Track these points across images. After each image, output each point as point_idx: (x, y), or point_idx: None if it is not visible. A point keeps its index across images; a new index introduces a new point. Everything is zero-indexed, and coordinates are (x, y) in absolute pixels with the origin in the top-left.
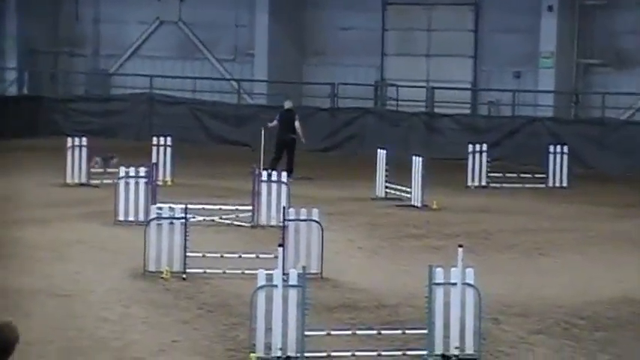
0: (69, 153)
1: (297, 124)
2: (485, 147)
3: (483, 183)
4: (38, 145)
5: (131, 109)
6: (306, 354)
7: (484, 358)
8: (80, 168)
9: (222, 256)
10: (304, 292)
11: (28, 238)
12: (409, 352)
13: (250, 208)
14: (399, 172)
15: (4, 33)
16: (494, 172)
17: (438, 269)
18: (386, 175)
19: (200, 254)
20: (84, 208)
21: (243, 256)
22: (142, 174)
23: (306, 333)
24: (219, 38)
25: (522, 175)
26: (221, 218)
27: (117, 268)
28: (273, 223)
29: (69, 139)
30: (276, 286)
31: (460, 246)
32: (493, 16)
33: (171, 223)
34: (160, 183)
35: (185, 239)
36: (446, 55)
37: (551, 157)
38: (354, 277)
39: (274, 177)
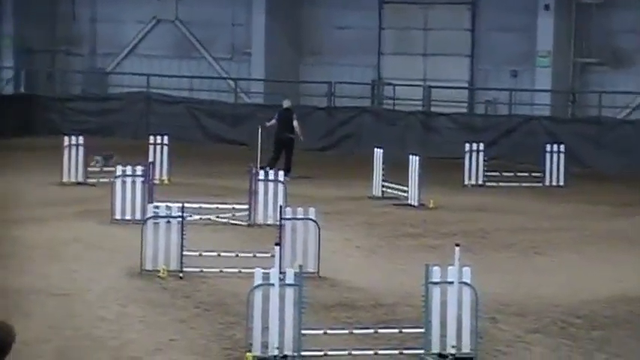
0: (66, 152)
1: (295, 123)
2: (482, 146)
3: (480, 182)
4: (35, 144)
5: (128, 108)
6: (303, 353)
7: (481, 357)
8: (77, 167)
9: (219, 255)
10: (301, 291)
11: (25, 237)
12: (406, 351)
13: (247, 207)
14: (396, 171)
15: (0, 32)
16: (491, 171)
17: (435, 268)
18: (383, 174)
19: (197, 253)
20: (81, 207)
21: (240, 255)
22: (138, 173)
23: (303, 332)
24: (216, 37)
25: (519, 174)
26: (218, 217)
27: (114, 267)
28: (270, 222)
29: (66, 138)
30: (273, 285)
31: (457, 245)
32: (490, 14)
33: (168, 222)
34: (156, 182)
35: (182, 238)
36: (443, 54)
37: (548, 156)
38: (351, 276)
39: (271, 176)
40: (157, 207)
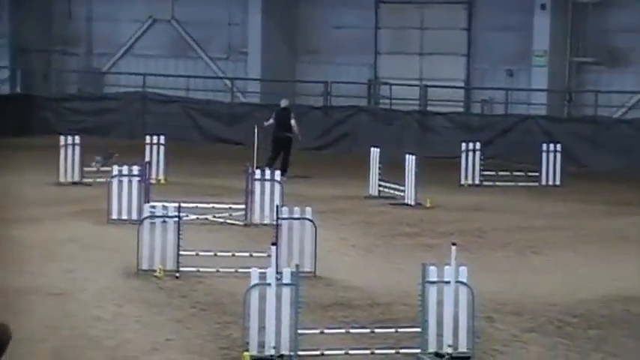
0: (62, 151)
1: (293, 122)
2: (478, 145)
3: (477, 181)
4: (31, 144)
5: (124, 107)
6: (300, 352)
7: (477, 357)
8: (73, 166)
9: (215, 255)
10: (297, 291)
11: (22, 237)
12: (402, 351)
13: (243, 206)
14: (392, 170)
15: None
16: (487, 171)
17: (432, 267)
18: (379, 174)
19: (193, 253)
20: (77, 207)
21: (236, 254)
22: (135, 172)
23: (300, 331)
24: (212, 37)
25: (515, 174)
26: (214, 217)
27: (110, 267)
28: (267, 221)
29: (62, 138)
30: (269, 284)
31: (453, 244)
32: (486, 14)
33: (165, 221)
34: (153, 181)
35: (178, 238)
36: (439, 54)
37: (544, 155)
38: (348, 276)
39: (267, 175)
40: (153, 207)
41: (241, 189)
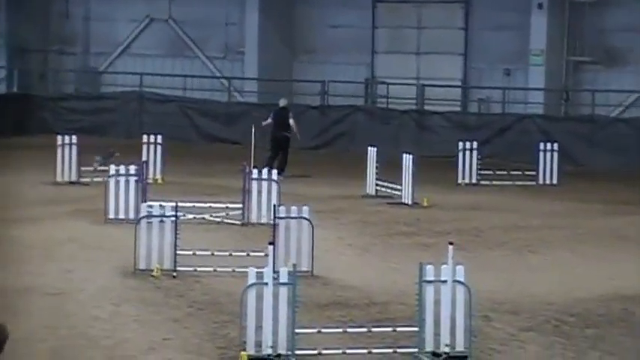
0: (59, 151)
1: (291, 121)
2: (475, 144)
3: (474, 180)
4: (28, 144)
5: (121, 107)
6: (297, 352)
7: (475, 356)
8: (70, 166)
9: (212, 254)
10: (295, 290)
11: (19, 237)
12: (400, 350)
13: (241, 206)
14: (389, 169)
15: None
16: (484, 170)
17: (429, 267)
18: (376, 173)
19: (190, 252)
20: (74, 207)
21: (233, 254)
22: (132, 172)
23: (297, 331)
24: (209, 36)
25: (512, 173)
26: (211, 216)
27: (107, 267)
28: (264, 221)
29: (59, 137)
30: (266, 284)
31: (451, 243)
32: (483, 13)
33: (162, 221)
34: (150, 181)
35: (175, 237)
36: (436, 53)
37: (541, 154)
38: (345, 275)
39: (265, 175)
40: (150, 206)
41: (238, 188)
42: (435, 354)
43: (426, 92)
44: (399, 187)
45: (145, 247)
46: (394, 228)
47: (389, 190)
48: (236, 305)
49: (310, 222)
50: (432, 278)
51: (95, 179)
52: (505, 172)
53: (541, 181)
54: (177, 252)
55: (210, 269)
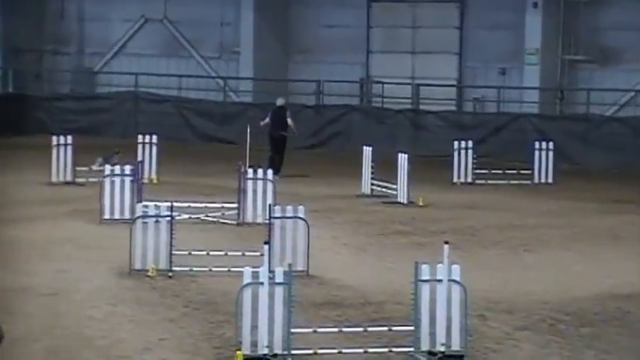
0: (54, 151)
1: (289, 121)
2: (470, 144)
3: (469, 179)
4: (23, 144)
5: (116, 107)
6: (293, 351)
7: (470, 355)
8: (66, 166)
9: (208, 254)
10: (290, 290)
11: (15, 237)
12: (395, 349)
13: (236, 205)
14: (385, 169)
15: None
16: (479, 169)
17: (424, 266)
18: (372, 172)
19: (186, 252)
20: (70, 207)
21: (229, 253)
22: (127, 172)
23: (293, 330)
24: (204, 36)
25: (508, 172)
26: (207, 216)
27: (103, 267)
28: (259, 220)
29: (54, 138)
30: (262, 283)
31: (446, 242)
32: (478, 12)
33: (157, 221)
34: (145, 181)
35: (171, 237)
36: (431, 52)
37: (536, 153)
38: (340, 274)
39: (260, 174)
40: (145, 206)
41: (234, 188)
42: (430, 353)
43: (421, 91)
44: (394, 186)
45: (140, 247)
46: (390, 227)
47: (384, 190)
48: (232, 305)
49: (306, 221)
50: (427, 277)
51: (90, 179)
52: (500, 171)
53: (536, 180)
54: (173, 252)
55: (206, 269)
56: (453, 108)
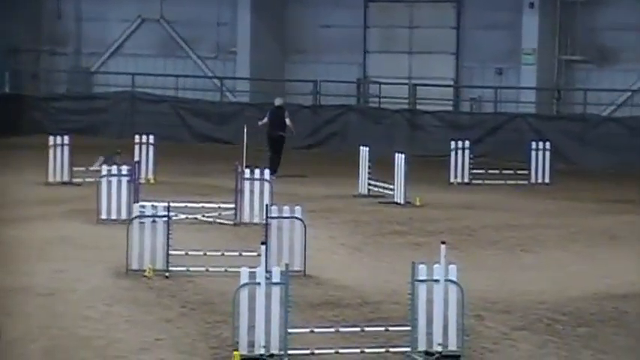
0: (51, 151)
1: (287, 121)
2: (467, 144)
3: (466, 180)
4: (20, 144)
5: (113, 107)
6: (290, 351)
7: (467, 355)
8: (62, 166)
9: (205, 254)
10: (287, 290)
11: (12, 237)
12: (392, 349)
13: (233, 205)
14: (381, 169)
15: None
16: (476, 169)
17: (421, 266)
18: (369, 172)
19: (183, 252)
20: (67, 207)
21: (226, 254)
22: (124, 172)
23: (290, 330)
24: (201, 36)
25: (505, 172)
26: (204, 216)
27: (100, 267)
28: (256, 220)
29: (51, 138)
30: (259, 283)
31: (443, 242)
32: (475, 12)
33: (154, 221)
34: (142, 181)
35: (168, 237)
36: (428, 52)
37: (533, 153)
38: (337, 275)
39: (257, 174)
40: (142, 206)
41: (231, 188)
42: (427, 353)
43: (418, 92)
44: (391, 186)
45: (137, 247)
46: (387, 227)
47: (381, 190)
48: (229, 305)
49: (302, 222)
50: (424, 277)
51: (87, 179)
52: (497, 171)
53: (533, 180)
54: (170, 252)
55: (203, 269)
56: (450, 108)
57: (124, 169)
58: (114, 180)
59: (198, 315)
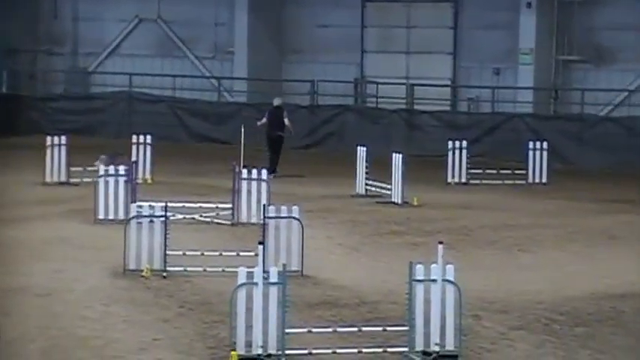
0: (48, 151)
1: (286, 121)
2: (465, 144)
3: (463, 179)
4: (17, 144)
5: (111, 107)
6: (287, 351)
7: (465, 355)
8: (60, 166)
9: (202, 254)
10: (285, 290)
11: (9, 237)
12: (390, 349)
13: (230, 205)
14: (379, 169)
15: None
16: (474, 169)
17: (419, 266)
18: (366, 172)
19: (180, 252)
20: (64, 207)
21: (223, 254)
22: (121, 172)
23: (287, 330)
24: (198, 36)
25: (502, 172)
26: (201, 216)
27: (97, 267)
28: (254, 220)
29: (48, 138)
30: (256, 283)
31: (440, 242)
32: (472, 12)
33: (152, 221)
34: (139, 181)
35: (165, 237)
36: (425, 52)
37: (530, 153)
38: (335, 275)
39: (254, 174)
40: (140, 206)
41: (228, 188)
42: (425, 353)
43: (415, 91)
44: (388, 186)
45: (134, 247)
46: (384, 227)
47: (379, 190)
48: (226, 305)
49: (300, 222)
50: (422, 277)
51: (85, 179)
52: (495, 171)
53: (531, 180)
54: (167, 252)
55: (200, 269)
56: (448, 108)
57: (122, 169)
58: (111, 180)
59: (196, 315)
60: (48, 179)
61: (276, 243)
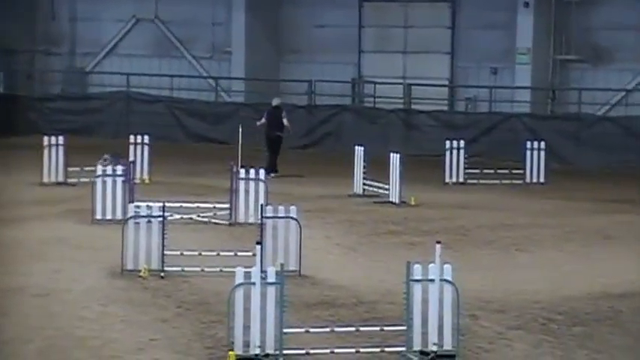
0: (46, 152)
1: (285, 121)
2: (462, 143)
3: (461, 179)
4: (15, 144)
5: (108, 107)
6: (285, 351)
7: (462, 354)
8: (57, 167)
9: (200, 254)
10: (282, 290)
11: (6, 237)
12: (388, 349)
13: (228, 205)
14: (376, 168)
15: None
16: (471, 169)
17: (416, 266)
18: (364, 172)
19: (178, 252)
20: (61, 207)
21: (221, 254)
22: (119, 172)
23: (285, 330)
24: (196, 36)
25: (500, 171)
26: (199, 216)
27: (95, 267)
28: (251, 220)
29: (46, 138)
30: (254, 283)
31: (438, 242)
32: (470, 12)
33: (149, 221)
34: (137, 181)
35: (163, 237)
36: (423, 52)
37: (528, 153)
38: (333, 274)
39: (252, 174)
40: (137, 206)
41: (226, 188)
42: (422, 353)
43: (413, 91)
44: (386, 186)
45: (132, 247)
46: (382, 227)
47: (376, 190)
48: (224, 305)
49: (298, 221)
50: (419, 277)
51: (82, 180)
52: (492, 171)
53: (528, 180)
54: (165, 252)
55: (198, 269)
56: (445, 108)
57: (119, 169)
58: (109, 180)
59: (194, 315)
60: (45, 179)
61: (273, 243)
